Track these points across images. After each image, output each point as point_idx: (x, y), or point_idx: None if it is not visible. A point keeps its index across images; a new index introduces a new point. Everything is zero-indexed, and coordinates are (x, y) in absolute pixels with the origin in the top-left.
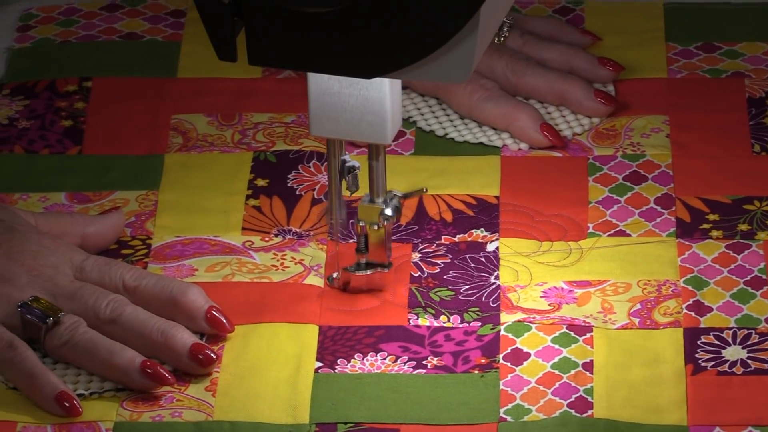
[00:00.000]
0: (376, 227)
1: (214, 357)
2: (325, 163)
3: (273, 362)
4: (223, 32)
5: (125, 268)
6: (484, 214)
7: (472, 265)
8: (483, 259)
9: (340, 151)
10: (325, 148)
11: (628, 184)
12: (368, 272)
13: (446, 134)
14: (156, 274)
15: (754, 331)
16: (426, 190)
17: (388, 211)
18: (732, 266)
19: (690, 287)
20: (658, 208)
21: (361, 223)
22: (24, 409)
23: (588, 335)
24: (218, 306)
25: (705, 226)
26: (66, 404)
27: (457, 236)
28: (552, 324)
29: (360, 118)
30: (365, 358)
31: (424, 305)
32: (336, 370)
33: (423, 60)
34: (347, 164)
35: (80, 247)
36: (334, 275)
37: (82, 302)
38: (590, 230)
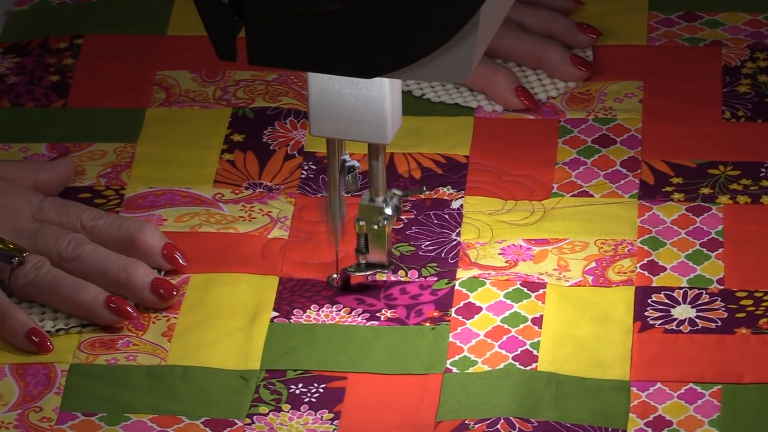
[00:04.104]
0: (375, 227)
1: (175, 292)
2: (303, 120)
3: (231, 311)
4: (223, 32)
5: (82, 208)
6: (453, 172)
7: (436, 221)
8: (447, 216)
9: (340, 151)
10: (303, 106)
11: (596, 146)
12: (368, 273)
13: (423, 95)
14: (112, 214)
15: (704, 291)
16: (426, 189)
17: (388, 211)
18: (690, 228)
19: (646, 247)
20: (624, 171)
21: (361, 223)
22: None
23: (541, 291)
24: (173, 243)
25: (668, 188)
26: (36, 339)
27: (424, 193)
28: (506, 280)
29: (360, 117)
30: (321, 310)
31: None
32: (291, 320)
33: (423, 60)
34: (347, 164)
35: None
36: (334, 276)
37: (44, 242)
38: (554, 190)
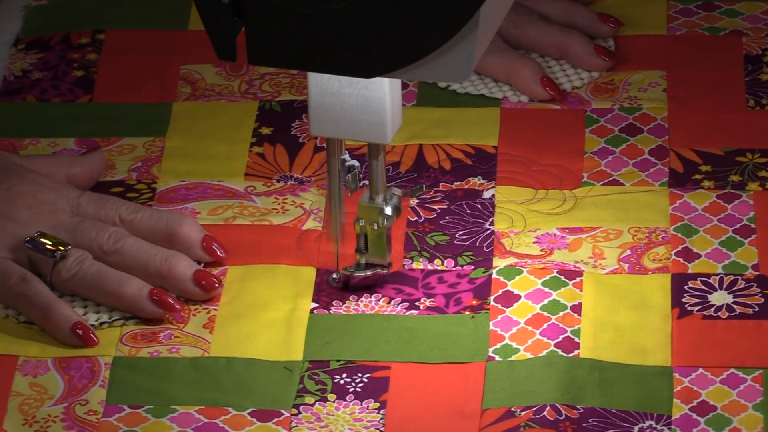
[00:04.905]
0: (375, 226)
1: (217, 284)
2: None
3: (270, 302)
4: (223, 32)
5: (120, 202)
6: (482, 163)
7: (468, 211)
8: (479, 206)
9: (340, 151)
10: None
11: (624, 135)
12: (368, 273)
13: (448, 86)
14: (150, 207)
15: (740, 277)
16: (425, 188)
17: (388, 210)
18: (722, 215)
19: (679, 234)
20: (652, 159)
21: (361, 222)
22: (25, 344)
23: (578, 279)
24: (212, 235)
25: (697, 176)
26: (80, 332)
27: (455, 183)
28: (543, 268)
29: (360, 117)
30: (360, 300)
31: (419, 249)
32: (331, 311)
33: (423, 60)
34: (347, 164)
35: None
36: (334, 275)
37: (85, 236)
38: (585, 179)
